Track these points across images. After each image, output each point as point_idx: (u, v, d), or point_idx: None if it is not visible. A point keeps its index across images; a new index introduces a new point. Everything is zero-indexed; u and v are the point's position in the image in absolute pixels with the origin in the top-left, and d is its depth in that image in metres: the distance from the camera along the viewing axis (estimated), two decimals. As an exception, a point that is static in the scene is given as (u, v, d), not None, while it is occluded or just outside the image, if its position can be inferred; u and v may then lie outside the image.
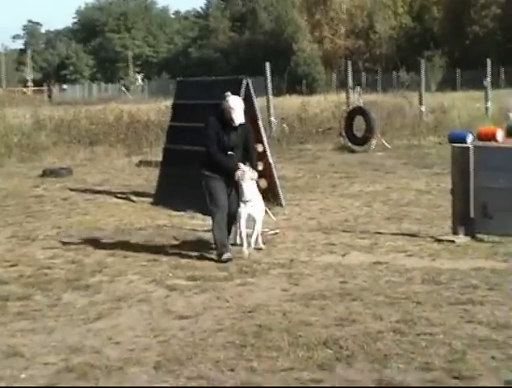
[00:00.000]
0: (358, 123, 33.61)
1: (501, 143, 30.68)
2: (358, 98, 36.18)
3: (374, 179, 24.58)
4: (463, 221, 15.13)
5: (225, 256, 13.60)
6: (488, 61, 44.72)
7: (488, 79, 43.31)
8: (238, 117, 13.73)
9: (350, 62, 44.44)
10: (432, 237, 15.25)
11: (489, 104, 43.75)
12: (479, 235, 14.99)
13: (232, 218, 14.24)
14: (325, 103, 43.82)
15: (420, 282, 12.13)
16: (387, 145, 33.05)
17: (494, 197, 14.80)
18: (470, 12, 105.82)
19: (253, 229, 14.37)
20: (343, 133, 34.31)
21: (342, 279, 12.36)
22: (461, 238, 14.91)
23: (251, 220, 14.30)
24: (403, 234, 15.62)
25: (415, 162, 28.10)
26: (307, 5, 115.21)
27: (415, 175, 24.65)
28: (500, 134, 32.94)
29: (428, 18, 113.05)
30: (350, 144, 33.61)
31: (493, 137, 32.00)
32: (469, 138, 30.66)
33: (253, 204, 14.19)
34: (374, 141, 32.98)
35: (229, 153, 13.84)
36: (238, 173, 13.78)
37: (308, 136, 36.19)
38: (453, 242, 14.77)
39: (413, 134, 35.36)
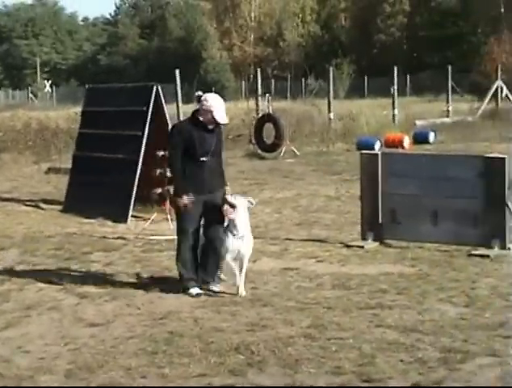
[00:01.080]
0: (268, 130, 33.69)
1: (407, 150, 31.16)
2: (267, 105, 36.24)
3: (284, 185, 24.70)
4: (372, 226, 15.30)
5: (193, 291, 11.84)
6: (395, 69, 45.21)
7: (395, 87, 43.67)
8: (222, 117, 11.87)
9: (259, 70, 44.38)
10: (341, 242, 15.39)
11: (396, 111, 44.18)
12: (387, 240, 15.16)
13: (213, 246, 12.07)
14: (235, 110, 43.79)
15: (330, 287, 12.25)
16: (296, 151, 33.13)
17: (402, 203, 15.01)
18: (377, 21, 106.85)
19: (242, 266, 11.96)
20: (253, 140, 34.44)
21: (252, 285, 12.40)
22: (370, 244, 15.08)
23: (238, 256, 11.94)
24: (313, 240, 15.73)
25: (324, 168, 28.24)
26: (216, 12, 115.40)
27: (324, 182, 24.77)
28: (407, 141, 33.45)
29: (336, 26, 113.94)
30: (259, 151, 33.71)
31: (400, 144, 32.49)
32: (377, 145, 31.04)
33: (244, 239, 11.94)
34: (283, 148, 33.09)
35: (202, 159, 11.79)
36: (227, 210, 11.85)
37: (222, 142, 36.17)
38: (362, 247, 14.95)
39: (322, 141, 35.56)
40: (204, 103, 11.74)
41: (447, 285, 12.22)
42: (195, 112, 11.94)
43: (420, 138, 36.50)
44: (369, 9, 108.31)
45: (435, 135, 37.09)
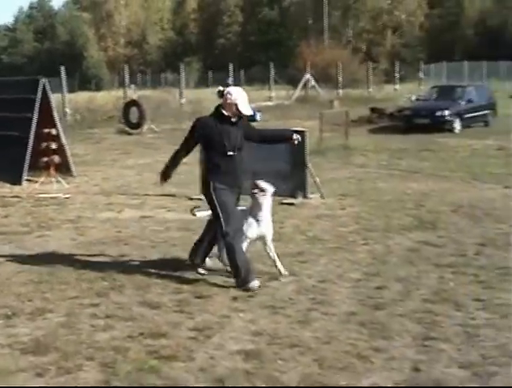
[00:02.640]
0: (133, 112, 33.58)
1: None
2: (133, 93, 36.56)
3: (145, 154, 24.66)
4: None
5: (255, 284, 8.88)
6: (231, 66, 45.76)
7: (231, 79, 44.07)
8: (247, 108, 9.28)
9: (127, 66, 44.66)
10: (186, 196, 15.50)
11: (232, 97, 44.67)
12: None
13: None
14: (109, 98, 43.61)
15: (176, 230, 12.38)
16: (155, 129, 33.20)
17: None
18: (218, 29, 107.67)
19: (269, 250, 9.48)
20: (122, 120, 34.25)
21: (117, 229, 12.47)
22: (207, 197, 15.22)
23: (259, 241, 9.53)
24: (165, 195, 15.76)
25: (177, 141, 27.91)
26: (94, 21, 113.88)
27: (176, 151, 24.69)
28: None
29: (187, 32, 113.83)
30: (127, 128, 33.53)
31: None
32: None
33: (267, 223, 9.42)
34: (145, 126, 33.13)
35: (230, 153, 9.16)
36: (259, 194, 9.38)
37: (95, 122, 35.92)
38: (202, 200, 14.98)
39: (175, 120, 35.45)
40: (228, 96, 9.23)
41: (263, 226, 12.47)
42: (219, 107, 9.31)
43: (251, 117, 36.76)
44: (212, 19, 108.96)
45: (261, 115, 37.52)
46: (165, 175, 9.90)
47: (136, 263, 10.19)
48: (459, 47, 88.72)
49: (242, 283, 8.85)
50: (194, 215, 10.41)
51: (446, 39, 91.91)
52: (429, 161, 21.12)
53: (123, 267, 9.91)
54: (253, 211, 9.35)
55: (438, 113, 30.55)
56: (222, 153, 9.13)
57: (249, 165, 14.75)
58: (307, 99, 44.79)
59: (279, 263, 9.37)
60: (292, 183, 14.64)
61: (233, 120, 9.24)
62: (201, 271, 9.55)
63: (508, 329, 7.22)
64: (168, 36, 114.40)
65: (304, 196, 14.69)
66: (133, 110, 33.73)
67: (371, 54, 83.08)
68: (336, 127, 26.18)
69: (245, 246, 9.22)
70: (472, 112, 31.49)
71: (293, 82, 52.43)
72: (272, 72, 50.83)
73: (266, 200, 9.38)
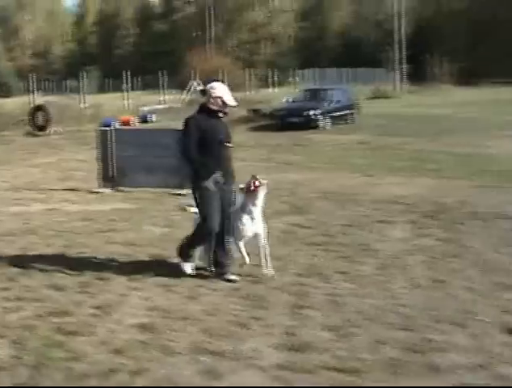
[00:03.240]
0: (40, 116, 32.99)
1: (134, 127, 31.39)
2: (39, 98, 35.97)
3: (50, 154, 24.20)
4: (108, 179, 15.37)
5: (232, 277, 8.27)
6: (128, 73, 45.55)
7: (128, 85, 43.92)
8: (231, 100, 8.49)
9: (33, 75, 43.70)
10: (88, 190, 15.32)
11: (129, 101, 44.49)
12: (118, 188, 15.23)
13: (226, 228, 8.45)
14: (19, 103, 42.53)
15: (79, 220, 12.18)
16: (60, 130, 32.65)
17: (127, 162, 15.13)
18: (115, 40, 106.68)
19: (263, 247, 8.45)
20: (29, 123, 33.53)
21: (25, 221, 12.17)
22: (106, 191, 15.14)
23: (255, 237, 8.47)
24: (69, 190, 15.58)
25: (79, 141, 27.74)
26: (4, 35, 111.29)
27: (79, 150, 24.37)
28: (134, 121, 33.84)
29: (87, 43, 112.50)
30: (34, 131, 32.85)
31: (129, 123, 32.73)
32: (114, 124, 30.80)
33: (260, 220, 8.45)
34: (51, 129, 32.57)
35: (220, 148, 8.35)
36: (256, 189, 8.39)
37: (5, 126, 34.97)
38: (101, 193, 14.98)
39: (78, 123, 34.88)
40: (212, 91, 8.37)
41: (156, 214, 12.47)
42: (203, 105, 8.47)
43: (144, 119, 36.80)
44: (109, 32, 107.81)
45: (155, 116, 37.43)
46: (205, 175, 8.26)
47: (43, 250, 9.98)
48: (326, 55, 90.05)
49: (220, 274, 8.29)
50: (184, 210, 9.41)
51: (315, 48, 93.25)
52: (301, 154, 21.42)
53: (31, 254, 9.71)
54: (246, 208, 8.36)
55: (308, 113, 30.97)
56: (213, 148, 8.27)
57: (145, 160, 14.91)
58: (195, 103, 44.69)
59: (269, 263, 8.39)
60: (181, 176, 14.62)
61: (220, 115, 8.44)
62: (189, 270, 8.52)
63: (367, 296, 7.43)
64: (70, 47, 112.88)
65: (193, 188, 14.72)
66: (39, 114, 33.16)
67: (251, 62, 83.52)
68: (220, 126, 26.20)
69: (241, 244, 8.37)
70: (337, 111, 32.07)
71: (182, 87, 52.35)
72: (163, 78, 50.75)
73: (260, 196, 8.40)
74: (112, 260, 9.26)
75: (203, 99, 8.42)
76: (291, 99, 35.62)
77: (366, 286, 7.83)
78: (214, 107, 8.38)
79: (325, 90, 35.34)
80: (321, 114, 31.11)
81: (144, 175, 14.93)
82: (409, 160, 19.07)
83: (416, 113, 37.38)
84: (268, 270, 8.35)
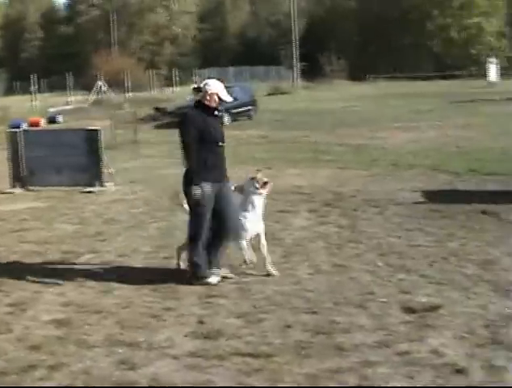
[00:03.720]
0: None
1: (43, 127, 30.74)
2: None
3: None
4: (18, 179, 14.95)
5: (213, 280, 7.64)
6: (35, 75, 44.53)
7: (33, 87, 43.01)
8: (227, 95, 7.94)
9: None
10: (-1, 191, 14.92)
11: (37, 103, 43.53)
12: (29, 187, 14.83)
13: (226, 232, 7.79)
14: None
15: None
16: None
17: (37, 162, 14.75)
18: (21, 44, 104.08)
19: (262, 246, 7.88)
20: None
21: None
22: (17, 190, 14.73)
23: (256, 236, 7.91)
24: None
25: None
26: None
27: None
28: (43, 122, 33.13)
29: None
30: None
31: (38, 124, 32.03)
32: (23, 125, 30.14)
33: (260, 219, 7.90)
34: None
35: (220, 144, 7.78)
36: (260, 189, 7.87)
37: None
38: (13, 193, 14.56)
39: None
40: (207, 87, 7.76)
41: (67, 212, 12.21)
42: (199, 102, 7.85)
43: (52, 120, 36.13)
44: (15, 35, 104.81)
45: (62, 117, 36.72)
46: (203, 178, 7.56)
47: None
48: (225, 55, 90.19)
49: (200, 278, 7.60)
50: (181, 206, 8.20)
51: (215, 48, 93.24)
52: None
53: None
54: (247, 207, 7.79)
55: (211, 110, 30.92)
56: (210, 146, 7.64)
57: (54, 160, 14.56)
58: (101, 102, 44.14)
59: (269, 263, 7.82)
60: (90, 174, 14.39)
61: (216, 112, 7.83)
62: (230, 274, 7.80)
63: (274, 283, 7.43)
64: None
65: (101, 185, 14.46)
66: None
67: (154, 62, 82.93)
68: (126, 125, 25.97)
69: (244, 244, 7.81)
70: (238, 108, 32.09)
71: (89, 88, 51.53)
72: (70, 80, 49.82)
73: (261, 196, 7.86)
74: (25, 258, 9.00)
75: (197, 97, 7.90)
76: (193, 98, 35.52)
77: (272, 274, 7.82)
78: (211, 104, 7.78)
79: (226, 87, 35.21)
80: (222, 110, 31.04)
81: (53, 174, 14.59)
82: (307, 152, 19.24)
83: (311, 108, 37.84)
84: (273, 269, 7.78)
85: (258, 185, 7.80)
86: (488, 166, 14.82)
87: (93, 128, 14.98)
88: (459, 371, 5.14)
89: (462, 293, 6.83)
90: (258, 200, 7.82)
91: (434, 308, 6.41)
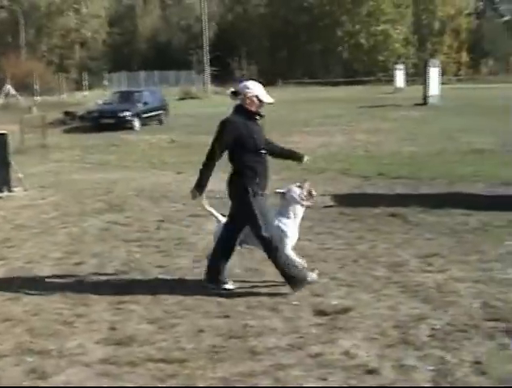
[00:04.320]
0: None
1: None
2: None
3: None
4: None
5: (313, 276, 7.41)
6: None
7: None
8: (268, 97, 7.38)
9: None
10: None
11: None
12: None
13: (274, 244, 7.17)
14: None
15: None
16: None
17: None
18: None
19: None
20: None
21: None
22: None
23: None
24: None
25: None
26: None
27: None
28: None
29: None
30: None
31: None
32: None
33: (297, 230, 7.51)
34: None
35: (262, 152, 7.24)
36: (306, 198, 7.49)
37: None
38: None
39: None
40: (247, 90, 7.24)
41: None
42: (239, 106, 7.32)
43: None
44: None
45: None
46: (200, 189, 7.60)
47: None
48: (136, 59, 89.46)
49: (298, 280, 7.14)
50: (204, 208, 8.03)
51: (126, 52, 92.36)
52: (115, 154, 21.11)
53: None
54: (288, 215, 7.36)
55: (121, 114, 30.64)
56: (255, 154, 7.18)
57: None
58: (9, 106, 43.04)
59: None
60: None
61: (257, 117, 7.32)
62: (230, 286, 7.42)
63: (186, 288, 7.38)
64: None
65: (9, 190, 14.10)
66: None
67: (63, 66, 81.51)
68: (35, 129, 25.40)
69: (290, 251, 7.33)
70: (148, 113, 31.94)
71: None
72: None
73: (304, 206, 7.46)
74: None
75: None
76: (103, 102, 35.06)
77: (184, 278, 7.79)
78: (252, 109, 7.27)
79: (137, 92, 35.13)
80: (133, 115, 30.85)
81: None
82: (219, 156, 19.19)
83: (222, 112, 37.61)
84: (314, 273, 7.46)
85: (303, 195, 7.43)
86: (395, 170, 15.14)
87: (0, 132, 14.58)
88: (371, 371, 5.22)
89: (372, 295, 6.94)
90: (300, 210, 7.44)
91: (345, 310, 6.50)
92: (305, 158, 7.70)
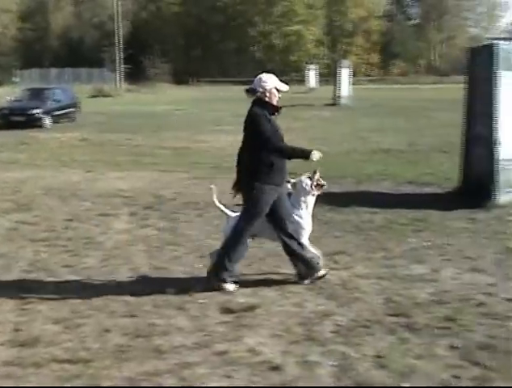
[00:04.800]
0: None
1: None
2: None
3: None
4: None
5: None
6: None
7: None
8: (284, 85, 7.15)
9: None
10: None
11: None
12: None
13: (293, 237, 7.26)
14: None
15: None
16: None
17: None
18: None
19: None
20: None
21: None
22: None
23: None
24: None
25: None
26: None
27: None
28: None
29: None
30: None
31: None
32: None
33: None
34: None
35: None
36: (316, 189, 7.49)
37: None
38: None
39: None
40: (264, 84, 7.03)
41: None
42: (258, 101, 7.06)
43: None
44: None
45: None
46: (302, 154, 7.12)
47: None
48: (48, 55, 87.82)
49: (309, 272, 7.27)
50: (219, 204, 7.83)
51: (37, 48, 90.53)
52: (25, 152, 20.64)
53: None
54: (302, 206, 7.41)
55: (31, 112, 30.02)
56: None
57: None
58: None
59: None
60: None
61: (276, 113, 7.11)
62: (230, 288, 7.17)
63: (93, 287, 7.32)
64: None
65: None
66: None
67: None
68: None
69: (306, 239, 7.40)
70: (59, 110, 31.37)
71: None
72: None
73: (314, 196, 7.51)
74: None
75: (252, 98, 7.11)
76: (14, 98, 34.26)
77: (92, 278, 7.71)
78: (274, 102, 7.07)
79: (48, 89, 34.48)
80: (44, 113, 30.27)
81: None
82: (129, 155, 19.08)
83: (135, 111, 37.63)
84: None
85: (314, 185, 7.45)
86: (305, 170, 15.30)
87: None
88: (275, 368, 5.30)
89: (278, 293, 7.03)
90: (311, 200, 7.48)
91: (251, 308, 6.57)
92: (314, 157, 7.15)
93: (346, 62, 43.27)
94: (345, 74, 40.51)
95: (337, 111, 33.87)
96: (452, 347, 5.61)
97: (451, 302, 6.67)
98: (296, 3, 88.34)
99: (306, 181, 7.47)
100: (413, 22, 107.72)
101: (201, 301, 6.80)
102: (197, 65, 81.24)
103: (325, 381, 5.11)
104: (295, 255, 7.27)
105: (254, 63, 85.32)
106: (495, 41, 11.61)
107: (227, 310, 6.52)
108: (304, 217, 7.40)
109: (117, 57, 66.71)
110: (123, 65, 67.84)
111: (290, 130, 24.91)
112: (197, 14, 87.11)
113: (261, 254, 8.50)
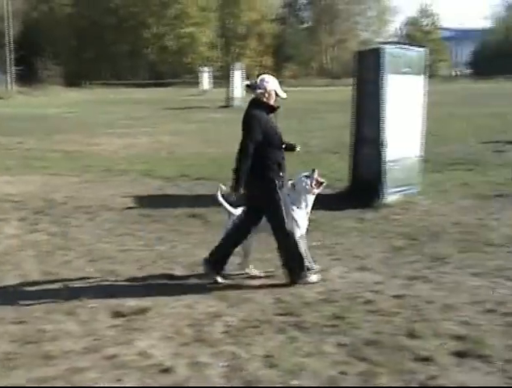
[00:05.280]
0: None
1: None
2: None
3: None
4: None
5: (315, 278, 7.41)
6: None
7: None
8: (282, 92, 7.22)
9: None
10: None
11: None
12: None
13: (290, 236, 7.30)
14: None
15: None
16: None
17: None
18: None
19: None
20: None
21: None
22: None
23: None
24: None
25: None
26: None
27: None
28: None
29: None
30: None
31: None
32: None
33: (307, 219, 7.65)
34: None
35: (283, 146, 7.25)
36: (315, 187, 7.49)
37: None
38: None
39: None
40: (266, 84, 7.12)
41: None
42: (256, 100, 7.15)
43: None
44: None
45: None
46: (238, 187, 7.07)
47: None
48: None
49: (303, 276, 7.31)
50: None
51: None
52: None
53: None
54: (300, 205, 7.44)
55: None
56: (279, 148, 7.18)
57: None
58: None
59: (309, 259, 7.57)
60: None
61: (275, 111, 7.22)
62: (220, 279, 7.44)
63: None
64: None
65: None
66: None
67: None
68: None
69: (301, 241, 7.43)
70: None
71: None
72: None
73: (313, 195, 7.52)
74: None
75: (252, 95, 7.17)
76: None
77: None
78: (271, 102, 7.18)
79: None
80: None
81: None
82: (19, 159, 18.61)
83: (26, 113, 36.74)
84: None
85: (313, 183, 7.47)
86: (197, 171, 15.35)
87: None
88: (166, 370, 5.31)
89: (170, 295, 7.03)
90: (311, 199, 7.51)
91: (142, 311, 6.54)
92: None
93: (239, 65, 43.58)
94: (238, 77, 40.79)
95: (230, 114, 33.99)
96: (340, 345, 5.74)
97: (340, 301, 6.82)
98: (189, 5, 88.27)
99: (306, 180, 7.53)
100: (305, 25, 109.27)
101: (91, 305, 6.73)
102: (90, 68, 79.96)
103: (216, 382, 5.15)
104: (289, 252, 7.34)
105: (148, 65, 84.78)
106: (382, 45, 11.94)
107: (118, 314, 6.47)
108: (301, 216, 7.49)
109: (7, 58, 64.95)
110: (14, 67, 66.11)
111: (182, 133, 24.97)
112: (90, 16, 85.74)
113: (153, 256, 8.49)
